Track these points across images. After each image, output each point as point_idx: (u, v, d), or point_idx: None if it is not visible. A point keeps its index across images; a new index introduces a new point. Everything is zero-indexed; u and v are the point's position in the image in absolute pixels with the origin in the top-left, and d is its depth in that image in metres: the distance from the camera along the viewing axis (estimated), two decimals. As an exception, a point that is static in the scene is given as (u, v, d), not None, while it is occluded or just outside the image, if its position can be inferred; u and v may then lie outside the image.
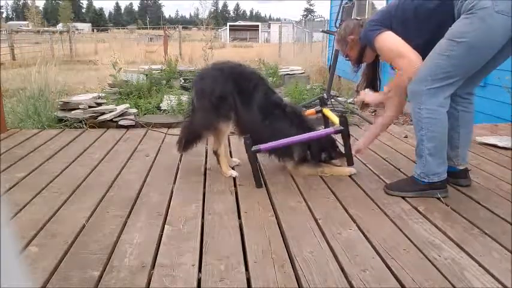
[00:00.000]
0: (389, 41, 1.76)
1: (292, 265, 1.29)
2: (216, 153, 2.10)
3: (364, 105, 2.02)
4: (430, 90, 1.68)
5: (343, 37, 1.97)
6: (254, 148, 1.92)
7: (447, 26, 1.64)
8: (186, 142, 2.18)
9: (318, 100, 2.51)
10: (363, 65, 2.05)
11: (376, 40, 1.78)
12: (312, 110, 2.39)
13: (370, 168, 2.24)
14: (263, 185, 1.96)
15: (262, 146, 1.95)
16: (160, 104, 4.53)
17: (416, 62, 1.71)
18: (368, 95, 1.98)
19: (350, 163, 2.00)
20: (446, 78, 1.66)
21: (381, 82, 2.08)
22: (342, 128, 1.96)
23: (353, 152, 2.07)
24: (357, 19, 2.02)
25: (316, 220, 1.60)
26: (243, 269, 1.26)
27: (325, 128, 2.32)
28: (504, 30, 1.56)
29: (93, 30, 35.05)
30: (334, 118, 2.17)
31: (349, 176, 2.09)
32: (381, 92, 1.99)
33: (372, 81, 2.06)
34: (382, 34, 1.76)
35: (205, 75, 2.09)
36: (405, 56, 1.73)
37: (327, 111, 2.27)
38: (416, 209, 1.72)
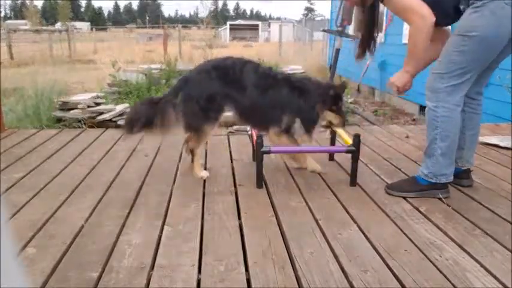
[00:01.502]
0: None
1: (292, 265, 1.28)
2: (192, 151, 2.08)
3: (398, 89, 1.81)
4: (448, 88, 1.67)
5: None
6: (264, 149, 1.91)
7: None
8: (144, 123, 2.00)
9: None
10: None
11: None
12: None
13: (371, 168, 2.23)
14: (263, 185, 1.95)
15: (273, 149, 1.94)
16: (160, 104, 4.51)
17: (428, 18, 1.61)
18: (393, 78, 1.80)
19: (353, 184, 1.96)
20: (462, 74, 1.65)
21: (378, 33, 1.93)
22: (354, 149, 1.92)
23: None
24: None
25: (316, 220, 1.59)
26: (243, 270, 1.25)
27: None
28: None
29: (92, 29, 35.02)
30: (345, 137, 2.11)
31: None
32: (402, 70, 1.79)
33: (371, 28, 1.93)
34: None
35: (190, 79, 2.07)
36: (417, 12, 1.63)
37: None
38: (417, 209, 1.71)
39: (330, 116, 1.99)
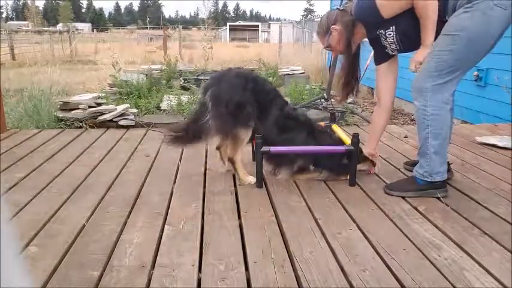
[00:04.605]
0: None
1: (292, 265, 1.29)
2: (231, 160, 2.02)
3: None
4: (435, 87, 1.68)
5: (326, 27, 1.91)
6: (264, 149, 1.91)
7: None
8: (187, 140, 2.07)
9: (329, 115, 2.47)
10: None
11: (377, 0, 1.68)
12: (321, 123, 2.31)
13: (370, 168, 2.24)
14: (263, 185, 1.96)
15: (272, 149, 1.93)
16: (160, 104, 4.53)
17: None
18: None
19: (352, 184, 1.97)
20: (451, 72, 1.67)
21: (360, 71, 2.06)
22: (353, 148, 1.93)
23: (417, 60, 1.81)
24: (338, 8, 1.93)
25: (316, 220, 1.60)
26: (243, 269, 1.26)
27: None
28: (500, 22, 1.60)
29: (93, 30, 35.12)
30: (344, 136, 2.12)
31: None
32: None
33: (353, 72, 2.02)
34: None
35: (223, 79, 1.98)
36: None
37: (336, 128, 2.20)
38: (416, 209, 1.72)
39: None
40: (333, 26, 1.89)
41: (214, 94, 1.94)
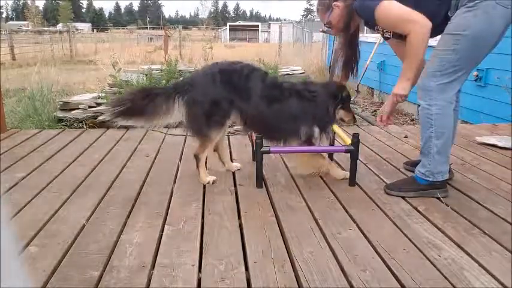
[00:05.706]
0: (394, 7, 1.70)
1: (292, 265, 1.29)
2: (196, 157, 2.01)
3: (388, 117, 1.94)
4: (440, 86, 1.68)
5: (328, 4, 1.90)
6: (264, 149, 1.91)
7: (443, 9, 1.68)
8: (131, 113, 1.92)
9: None
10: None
11: (377, 10, 1.72)
12: None
13: (370, 168, 2.24)
14: (263, 185, 1.96)
15: (272, 149, 1.93)
16: (160, 104, 4.53)
17: (427, 23, 1.66)
18: (399, 90, 1.83)
19: (352, 184, 1.96)
20: (454, 72, 1.67)
21: (360, 56, 2.04)
22: (353, 148, 1.92)
23: (378, 120, 1.99)
24: None
25: (316, 220, 1.60)
26: (243, 269, 1.26)
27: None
28: (502, 21, 1.61)
29: (93, 30, 35.14)
30: (344, 136, 2.13)
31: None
32: (403, 80, 1.82)
33: (351, 56, 2.02)
34: (384, 2, 1.71)
35: (195, 83, 1.98)
36: (414, 20, 1.67)
37: (336, 128, 2.21)
38: (416, 209, 1.72)
39: (341, 113, 2.05)
40: (335, 3, 1.89)
41: (187, 100, 1.92)
